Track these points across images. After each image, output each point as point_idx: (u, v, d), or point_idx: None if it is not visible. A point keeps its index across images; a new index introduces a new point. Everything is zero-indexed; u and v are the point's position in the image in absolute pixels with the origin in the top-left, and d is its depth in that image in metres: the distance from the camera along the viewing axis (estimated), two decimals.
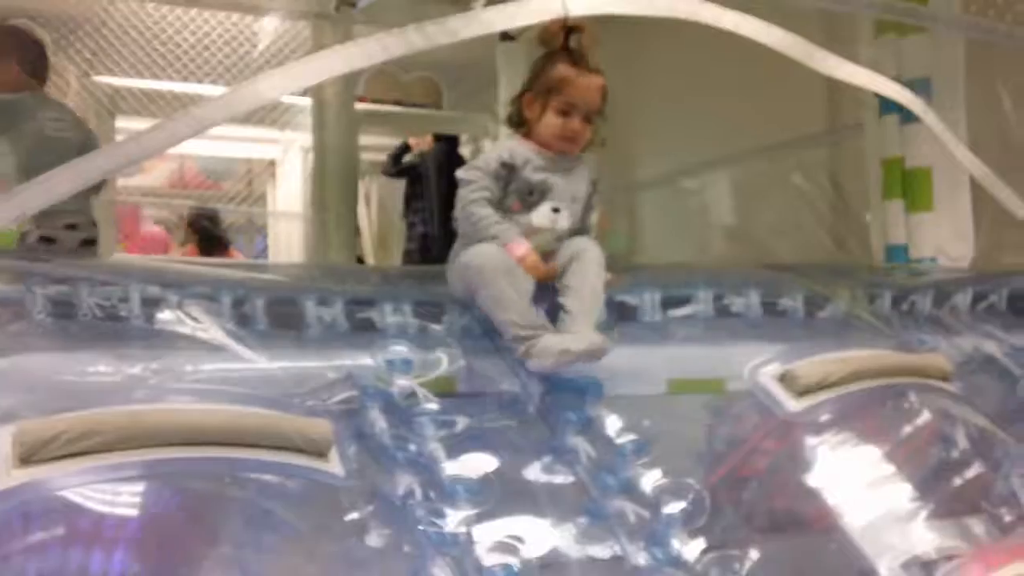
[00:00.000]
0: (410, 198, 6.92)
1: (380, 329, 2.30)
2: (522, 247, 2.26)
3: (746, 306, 2.75)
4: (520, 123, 2.43)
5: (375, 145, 7.92)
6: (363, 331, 2.29)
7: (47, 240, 3.81)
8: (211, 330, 2.08)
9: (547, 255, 2.34)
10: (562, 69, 2.36)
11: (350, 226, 6.29)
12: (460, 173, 2.36)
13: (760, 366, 2.39)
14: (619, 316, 2.56)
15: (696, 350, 2.54)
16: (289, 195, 8.34)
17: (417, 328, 2.31)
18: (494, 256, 2.22)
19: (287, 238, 8.15)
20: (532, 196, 2.34)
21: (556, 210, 2.36)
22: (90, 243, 3.99)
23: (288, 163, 8.34)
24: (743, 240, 5.01)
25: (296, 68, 2.04)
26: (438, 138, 7.09)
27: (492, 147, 2.42)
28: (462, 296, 2.33)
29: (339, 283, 2.58)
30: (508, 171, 2.33)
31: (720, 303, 2.73)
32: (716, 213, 5.50)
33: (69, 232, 3.86)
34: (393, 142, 7.80)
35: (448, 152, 6.98)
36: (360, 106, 6.77)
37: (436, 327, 2.32)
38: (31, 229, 3.69)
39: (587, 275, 2.27)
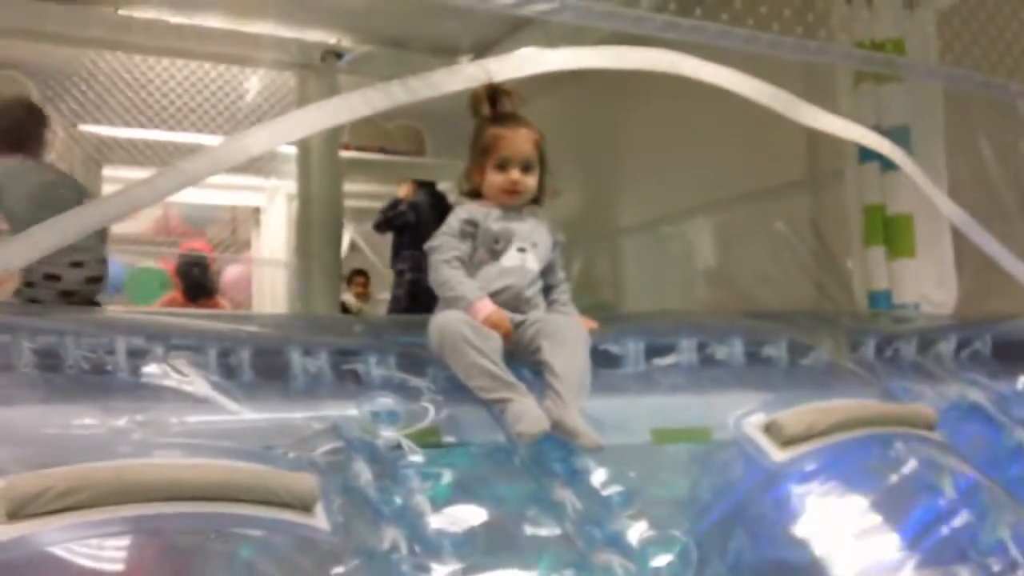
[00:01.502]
0: (398, 247, 6.94)
1: (365, 380, 2.30)
2: (486, 307, 2.31)
3: (730, 354, 2.76)
4: (472, 191, 2.54)
5: (359, 192, 7.97)
6: (348, 382, 2.29)
7: (52, 277, 3.82)
8: (196, 382, 2.07)
9: (517, 305, 2.39)
10: (492, 130, 2.48)
11: (334, 273, 6.31)
12: (428, 243, 2.45)
13: (745, 415, 2.40)
14: (603, 365, 2.54)
15: (680, 399, 2.54)
16: (273, 242, 8.39)
17: (402, 379, 2.31)
18: (455, 322, 2.25)
19: (271, 285, 8.15)
20: (498, 244, 2.43)
21: (522, 250, 2.45)
22: (95, 280, 3.98)
23: (273, 210, 8.40)
24: (726, 287, 5.03)
25: (282, 123, 2.07)
26: (420, 184, 7.14)
27: (452, 212, 2.47)
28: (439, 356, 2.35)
29: (324, 333, 2.58)
30: (472, 227, 2.43)
31: (704, 352, 2.74)
32: (699, 260, 5.52)
33: (74, 270, 3.87)
34: (377, 189, 7.85)
35: (433, 195, 7.02)
36: (344, 154, 6.83)
37: (421, 379, 2.32)
38: (35, 266, 3.68)
39: (576, 357, 2.27)
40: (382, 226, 7.07)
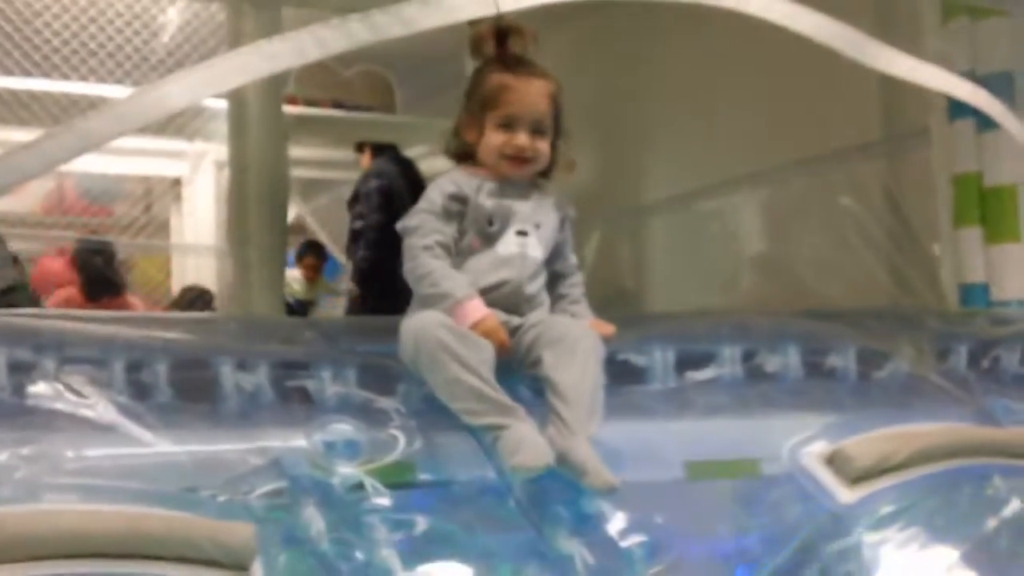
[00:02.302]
0: (357, 233, 6.89)
1: (317, 401, 2.30)
2: (477, 310, 2.31)
3: (783, 366, 2.78)
4: (462, 153, 2.54)
5: (309, 159, 7.95)
6: (295, 403, 2.29)
7: None
8: (98, 405, 2.07)
9: (515, 304, 2.41)
10: (497, 77, 2.48)
11: (278, 264, 6.28)
12: (402, 222, 2.45)
13: (802, 444, 2.42)
14: (622, 380, 2.57)
15: (721, 423, 2.56)
16: (198, 223, 8.36)
17: (364, 399, 2.32)
18: (435, 326, 2.24)
19: (196, 278, 8.13)
20: (492, 226, 2.44)
21: (522, 233, 2.45)
22: (6, 293, 3.95)
23: (197, 182, 8.35)
24: (778, 279, 5.01)
25: (208, 70, 2.06)
26: (376, 150, 7.08)
27: (433, 183, 2.47)
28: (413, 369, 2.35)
29: (264, 340, 2.59)
30: (459, 204, 2.43)
31: (751, 362, 2.76)
32: (744, 245, 5.49)
33: None
34: (332, 155, 7.84)
35: (398, 163, 6.95)
36: (290, 110, 6.79)
37: (389, 398, 2.33)
38: None
39: (586, 372, 2.27)
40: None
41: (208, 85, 2.07)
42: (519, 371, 2.35)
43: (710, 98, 5.50)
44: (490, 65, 2.51)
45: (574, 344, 2.30)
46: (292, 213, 8.09)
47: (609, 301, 2.62)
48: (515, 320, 2.38)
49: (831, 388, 2.78)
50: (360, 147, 7.14)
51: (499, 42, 2.51)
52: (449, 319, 2.27)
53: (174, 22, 6.69)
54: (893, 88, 3.97)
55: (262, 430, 2.19)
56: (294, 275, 8.21)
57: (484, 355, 2.22)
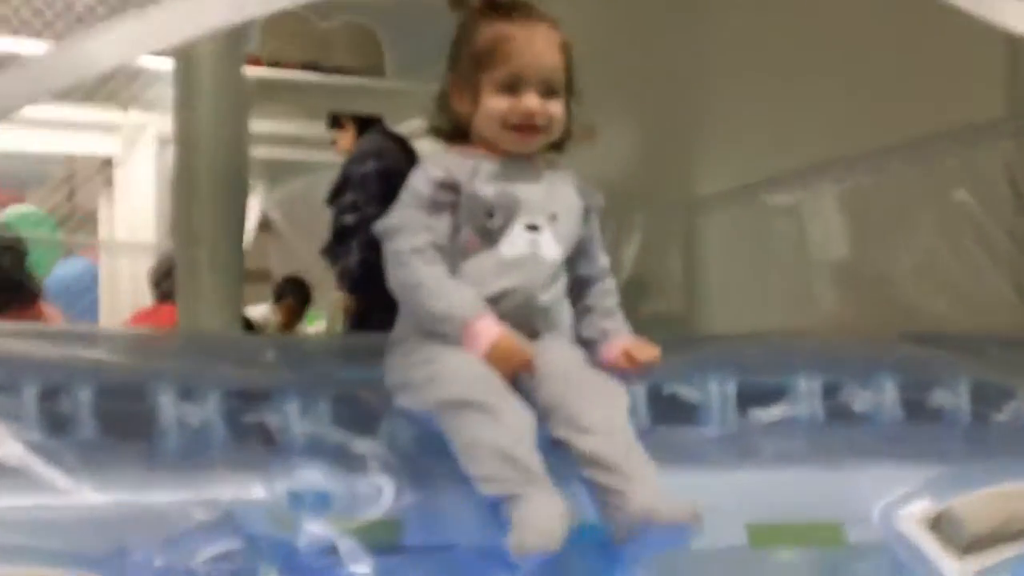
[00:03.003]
0: (338, 233, 6.89)
1: (280, 441, 2.31)
2: (489, 330, 2.27)
3: (876, 404, 2.78)
4: (453, 128, 2.52)
5: (276, 135, 7.97)
6: (253, 443, 2.31)
7: None
8: (4, 443, 2.06)
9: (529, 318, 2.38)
10: (491, 28, 2.44)
11: (234, 267, 6.29)
12: (380, 223, 2.43)
13: (899, 503, 2.41)
14: (670, 419, 2.59)
15: (794, 476, 2.55)
16: (135, 215, 8.41)
17: (339, 439, 2.33)
18: (467, 376, 2.22)
19: (131, 284, 8.17)
20: (493, 219, 2.39)
21: (533, 227, 2.41)
22: None
23: (134, 163, 8.40)
24: (869, 294, 4.99)
25: (148, 20, 2.05)
26: (363, 124, 7.07)
27: (416, 170, 2.45)
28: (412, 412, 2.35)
29: (215, 363, 2.59)
30: (450, 193, 2.39)
31: (833, 399, 2.75)
32: (825, 250, 5.47)
33: None
34: (304, 130, 7.86)
35: (389, 139, 6.95)
36: (253, 72, 6.81)
37: (369, 439, 2.34)
38: None
39: (615, 433, 2.23)
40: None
41: (146, 40, 2.07)
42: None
43: (782, 65, 5.47)
44: (479, 14, 2.48)
45: (595, 397, 2.28)
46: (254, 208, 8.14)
47: (653, 318, 2.60)
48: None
49: (936, 433, 2.79)
50: (336, 121, 7.12)
51: None
52: (476, 360, 2.24)
53: None
54: (1020, 52, 3.96)
55: (211, 476, 2.19)
56: (261, 312, 8.21)
57: (527, 421, 2.19)
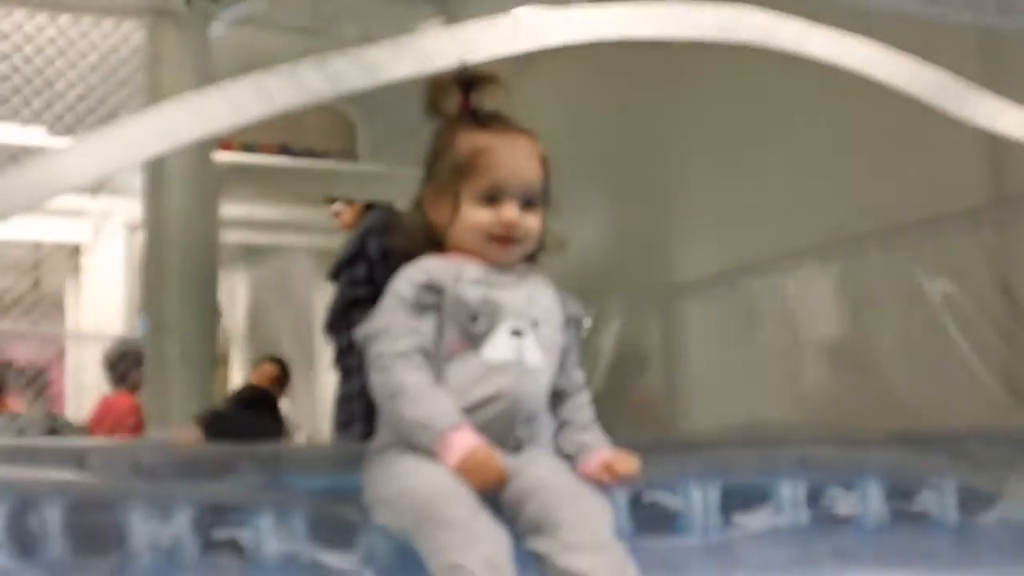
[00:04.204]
0: (345, 310, 6.82)
1: (252, 558, 2.27)
2: (464, 441, 2.23)
3: (861, 508, 2.77)
4: (428, 238, 2.48)
5: (247, 219, 7.94)
6: (224, 560, 2.27)
7: None
8: None
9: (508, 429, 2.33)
10: (472, 139, 2.43)
11: (205, 355, 6.23)
12: (362, 329, 2.41)
13: None
14: (651, 528, 2.56)
15: None
16: (103, 303, 8.36)
17: (314, 556, 2.31)
18: (433, 495, 2.18)
19: (97, 379, 7.98)
20: (477, 324, 2.36)
21: (517, 333, 2.38)
22: None
23: (102, 249, 8.38)
24: (853, 385, 5.00)
25: (121, 134, 2.03)
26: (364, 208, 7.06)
27: (398, 274, 2.42)
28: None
29: (186, 474, 2.56)
30: (434, 295, 2.37)
31: (818, 504, 2.74)
32: (808, 338, 5.49)
33: None
34: (276, 214, 7.84)
35: (395, 215, 6.93)
36: (223, 156, 6.78)
37: (345, 554, 2.32)
38: None
39: (602, 549, 2.19)
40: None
41: (119, 153, 2.05)
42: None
43: (763, 150, 5.52)
44: (458, 123, 2.47)
45: (581, 510, 2.23)
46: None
47: (630, 413, 2.56)
48: (509, 461, 2.27)
49: (923, 540, 2.76)
50: (335, 198, 7.14)
51: (465, 93, 2.48)
52: (451, 478, 2.20)
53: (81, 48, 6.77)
54: (1002, 145, 3.95)
55: None
56: None
57: (503, 542, 2.15)
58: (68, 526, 2.20)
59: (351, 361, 6.54)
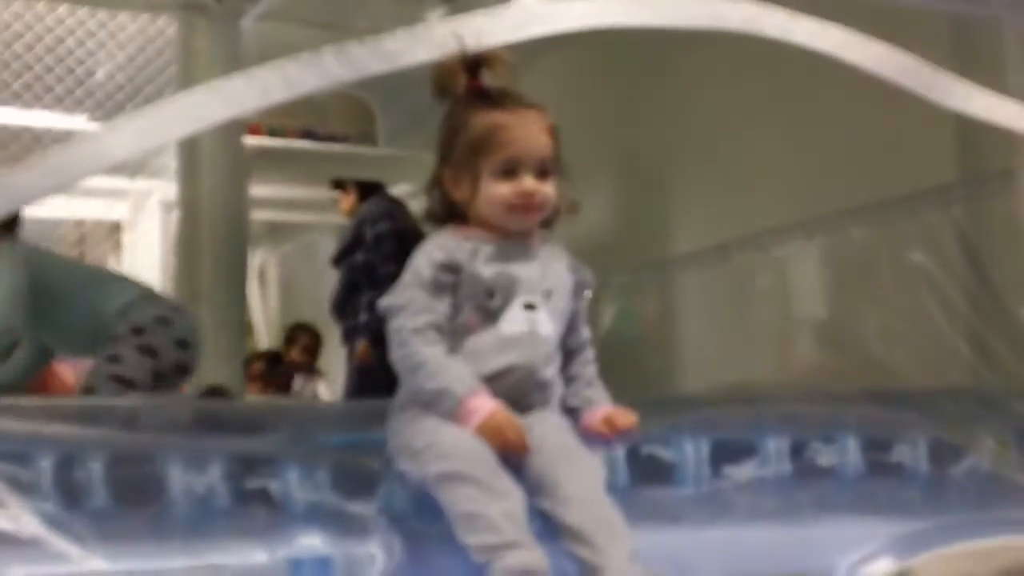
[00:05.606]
0: (350, 289, 6.84)
1: (281, 507, 2.29)
2: (484, 405, 2.30)
3: (840, 461, 2.78)
4: (448, 213, 2.53)
5: (275, 199, 8.00)
6: (255, 510, 2.28)
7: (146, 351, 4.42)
8: (19, 516, 2.05)
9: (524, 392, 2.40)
10: (485, 117, 2.47)
11: (236, 322, 6.28)
12: (386, 300, 2.44)
13: (864, 561, 2.43)
14: (646, 480, 2.58)
15: (764, 533, 2.57)
16: (142, 275, 8.20)
17: (337, 504, 2.32)
18: (467, 452, 2.24)
19: None
20: (493, 299, 2.42)
21: (530, 306, 2.44)
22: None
23: (140, 227, 8.40)
24: (837, 350, 4.96)
25: (156, 115, 2.08)
26: (366, 189, 7.05)
27: (418, 251, 2.48)
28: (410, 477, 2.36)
29: (219, 430, 2.58)
30: (452, 274, 2.42)
31: (801, 456, 2.75)
32: (795, 307, 5.47)
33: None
34: (301, 194, 7.83)
35: (391, 204, 6.94)
36: (252, 141, 6.81)
37: (367, 503, 2.33)
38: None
39: (595, 504, 2.27)
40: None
41: (155, 133, 2.08)
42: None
43: (753, 129, 5.50)
44: (468, 103, 2.50)
45: (576, 468, 2.31)
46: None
47: (629, 377, 2.60)
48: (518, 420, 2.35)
49: (897, 489, 2.78)
50: (339, 185, 7.14)
51: (472, 75, 2.52)
52: (476, 437, 2.26)
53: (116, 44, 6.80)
54: (971, 128, 3.96)
55: (214, 542, 2.18)
56: None
57: (518, 500, 2.21)
58: (110, 477, 2.20)
59: (357, 339, 6.64)
